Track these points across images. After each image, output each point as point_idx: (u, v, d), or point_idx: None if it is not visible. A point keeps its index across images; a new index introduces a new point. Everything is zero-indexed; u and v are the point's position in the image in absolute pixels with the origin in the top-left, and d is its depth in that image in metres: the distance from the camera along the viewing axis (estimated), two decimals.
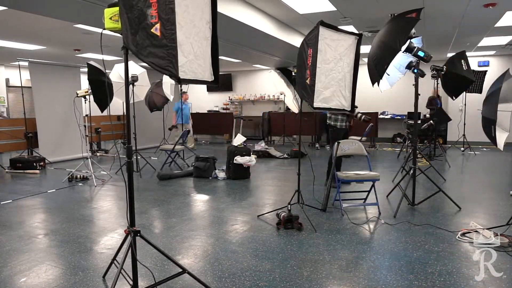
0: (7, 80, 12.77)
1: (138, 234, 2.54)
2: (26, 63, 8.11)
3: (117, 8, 2.26)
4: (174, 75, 2.39)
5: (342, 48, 4.24)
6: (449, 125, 11.03)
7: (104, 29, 2.34)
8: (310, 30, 4.08)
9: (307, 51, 4.06)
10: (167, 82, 8.42)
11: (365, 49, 6.48)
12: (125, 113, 3.13)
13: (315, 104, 4.16)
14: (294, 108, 11.51)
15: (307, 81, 4.09)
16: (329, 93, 4.24)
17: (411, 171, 4.69)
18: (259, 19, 6.97)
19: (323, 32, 4.08)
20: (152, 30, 2.27)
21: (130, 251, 2.48)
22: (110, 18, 2.29)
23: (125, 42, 2.27)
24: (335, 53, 4.20)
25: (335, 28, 4.17)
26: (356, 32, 4.42)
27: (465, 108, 10.18)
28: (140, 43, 2.27)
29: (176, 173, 6.90)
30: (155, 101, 8.58)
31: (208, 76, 2.69)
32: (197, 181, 6.56)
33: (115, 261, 2.87)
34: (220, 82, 2.87)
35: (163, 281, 2.67)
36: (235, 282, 2.80)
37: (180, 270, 2.65)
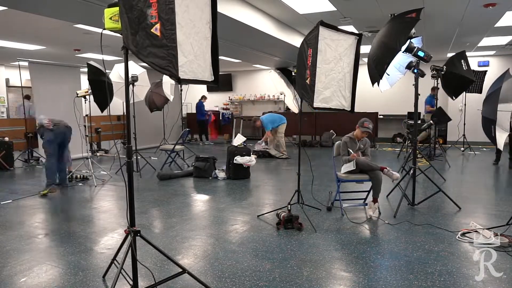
0: (7, 80, 12.78)
1: (138, 234, 2.54)
2: (26, 63, 8.11)
3: (117, 8, 2.26)
4: (174, 75, 2.39)
5: (342, 48, 4.24)
6: (449, 125, 11.03)
7: (104, 29, 2.35)
8: (310, 30, 4.08)
9: (307, 51, 4.06)
10: (167, 82, 8.42)
11: (365, 49, 6.48)
12: (125, 113, 3.14)
13: (315, 104, 4.16)
14: (294, 108, 11.52)
15: (307, 81, 4.09)
16: (329, 93, 4.24)
17: (411, 171, 4.69)
18: (259, 19, 6.97)
19: (323, 32, 4.08)
20: (152, 30, 2.27)
21: (130, 251, 2.48)
22: (110, 18, 2.29)
23: (125, 42, 2.27)
24: (335, 53, 4.20)
25: (335, 28, 4.16)
26: (356, 32, 4.42)
27: (465, 108, 10.18)
28: (140, 43, 2.27)
29: (176, 173, 6.91)
30: (155, 101, 8.58)
31: (208, 76, 2.69)
32: (197, 181, 6.56)
33: (115, 261, 2.87)
34: (220, 82, 2.87)
35: (163, 281, 2.67)
36: (235, 282, 2.80)
37: (180, 270, 2.66)
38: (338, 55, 4.22)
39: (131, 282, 2.54)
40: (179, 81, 2.46)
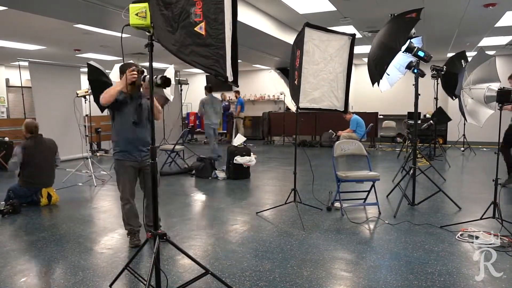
0: (7, 80, 12.77)
1: (165, 238, 2.48)
2: (26, 63, 8.11)
3: (145, 5, 2.23)
4: (222, 75, 2.27)
5: (332, 49, 4.25)
6: (449, 125, 11.03)
7: (128, 25, 2.29)
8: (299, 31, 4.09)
9: (296, 52, 4.09)
10: None
11: (365, 49, 6.47)
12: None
13: (301, 105, 4.21)
14: (294, 108, 11.52)
15: (295, 82, 4.12)
16: (319, 93, 4.26)
17: (411, 171, 4.69)
18: (259, 19, 6.97)
19: (310, 33, 4.09)
20: (196, 29, 2.20)
21: (133, 253, 2.47)
22: (136, 15, 2.25)
23: (159, 40, 2.24)
24: (324, 54, 4.21)
25: (324, 29, 4.17)
26: (355, 32, 4.43)
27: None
28: (180, 41, 2.22)
29: (168, 171, 7.12)
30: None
31: (230, 76, 2.59)
32: (197, 181, 6.56)
33: (128, 268, 2.74)
34: (220, 82, 2.79)
35: (188, 283, 2.63)
36: (235, 282, 2.80)
37: (203, 271, 2.60)
38: (328, 56, 4.23)
39: None
40: (226, 81, 2.33)
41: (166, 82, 2.62)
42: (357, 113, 9.46)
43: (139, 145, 3.41)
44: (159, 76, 2.64)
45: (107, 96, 3.22)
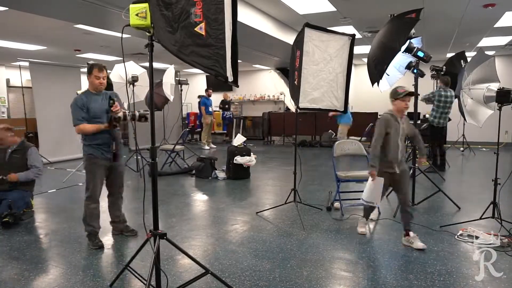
0: (8, 80, 12.77)
1: (165, 238, 2.49)
2: (26, 64, 8.12)
3: (145, 5, 2.24)
4: (222, 75, 2.26)
5: (332, 49, 4.25)
6: (449, 125, 11.02)
7: (128, 25, 2.29)
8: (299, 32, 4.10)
9: (296, 53, 4.09)
10: (167, 82, 8.40)
11: (365, 49, 6.47)
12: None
13: (302, 105, 4.22)
14: (294, 108, 11.51)
15: (295, 82, 4.13)
16: (319, 94, 4.26)
17: (411, 171, 4.69)
18: (259, 19, 6.98)
19: (310, 33, 4.09)
20: (196, 29, 2.20)
21: (137, 253, 2.47)
22: (137, 15, 2.25)
23: (159, 40, 2.25)
24: (324, 54, 4.21)
25: (324, 30, 4.18)
26: (355, 32, 4.43)
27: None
28: (180, 41, 2.22)
29: (166, 171, 7.14)
30: (155, 101, 8.57)
31: (230, 76, 2.58)
32: (197, 181, 6.56)
33: (128, 268, 2.76)
34: (220, 82, 2.77)
35: (188, 283, 2.63)
36: (235, 282, 2.80)
37: (203, 271, 2.60)
38: (328, 56, 4.23)
39: None
40: (226, 81, 2.32)
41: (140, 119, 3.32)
42: (357, 113, 9.47)
43: None
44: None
45: (84, 131, 3.42)
